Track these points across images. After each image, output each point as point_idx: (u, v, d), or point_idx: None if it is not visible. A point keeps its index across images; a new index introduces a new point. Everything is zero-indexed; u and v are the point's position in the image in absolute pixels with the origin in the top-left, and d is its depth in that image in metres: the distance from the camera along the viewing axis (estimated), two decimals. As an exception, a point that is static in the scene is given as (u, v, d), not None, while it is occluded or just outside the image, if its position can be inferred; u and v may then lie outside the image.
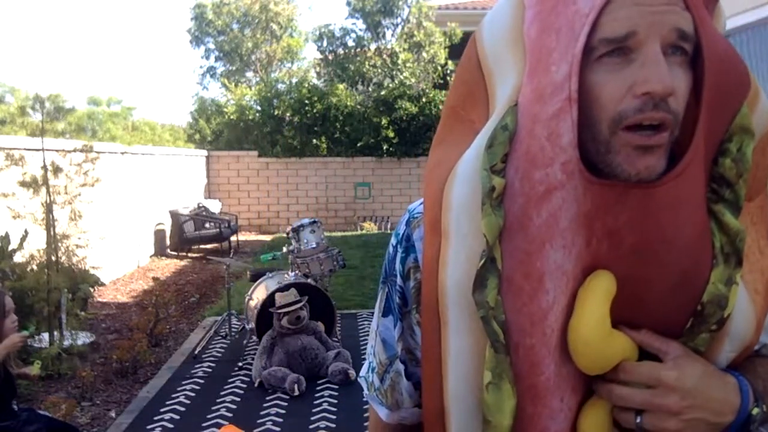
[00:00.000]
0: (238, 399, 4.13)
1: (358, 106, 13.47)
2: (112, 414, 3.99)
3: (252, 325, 4.73)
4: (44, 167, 5.02)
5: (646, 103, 0.62)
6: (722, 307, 0.67)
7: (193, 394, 4.22)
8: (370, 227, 12.70)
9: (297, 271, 5.04)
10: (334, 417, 3.81)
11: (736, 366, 0.73)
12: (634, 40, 0.62)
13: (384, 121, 13.04)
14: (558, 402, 0.70)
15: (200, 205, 11.33)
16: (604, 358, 0.68)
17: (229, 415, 3.88)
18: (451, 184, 0.72)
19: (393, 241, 0.85)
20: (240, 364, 4.68)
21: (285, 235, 6.81)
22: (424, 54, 13.86)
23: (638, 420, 0.68)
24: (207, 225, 10.49)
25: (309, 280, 4.88)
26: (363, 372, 0.94)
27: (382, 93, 13.32)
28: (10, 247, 4.94)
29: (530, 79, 0.67)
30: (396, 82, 13.53)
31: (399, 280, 0.83)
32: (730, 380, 0.70)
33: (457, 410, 0.73)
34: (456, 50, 13.07)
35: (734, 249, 0.67)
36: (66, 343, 4.82)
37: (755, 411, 0.70)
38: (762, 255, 0.72)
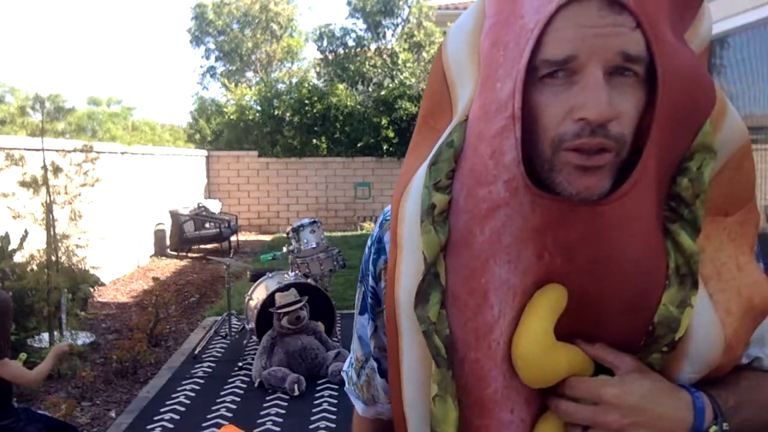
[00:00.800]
0: (238, 399, 4.13)
1: (358, 106, 13.47)
2: (112, 414, 3.99)
3: (252, 325, 4.73)
4: (44, 167, 5.02)
5: (583, 129, 0.61)
6: (673, 330, 0.66)
7: (193, 394, 4.22)
8: (370, 227, 12.70)
9: (297, 271, 5.04)
10: (334, 417, 3.81)
11: (716, 380, 0.71)
12: (575, 62, 0.61)
13: (384, 121, 13.04)
14: (507, 414, 0.70)
15: (200, 205, 11.33)
16: (545, 373, 0.68)
17: (229, 415, 3.88)
18: (405, 197, 0.73)
19: (369, 242, 0.86)
20: (240, 364, 4.68)
21: (285, 235, 6.81)
22: (424, 54, 13.87)
23: None
24: (207, 225, 10.49)
25: (309, 280, 4.88)
26: (345, 366, 0.97)
27: (382, 93, 13.33)
28: (10, 247, 4.94)
29: (479, 95, 0.67)
30: (396, 82, 13.53)
31: (371, 281, 0.84)
32: (683, 397, 0.68)
33: (412, 417, 0.74)
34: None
35: (690, 270, 0.66)
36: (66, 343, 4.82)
37: (712, 429, 0.68)
38: (740, 272, 0.70)
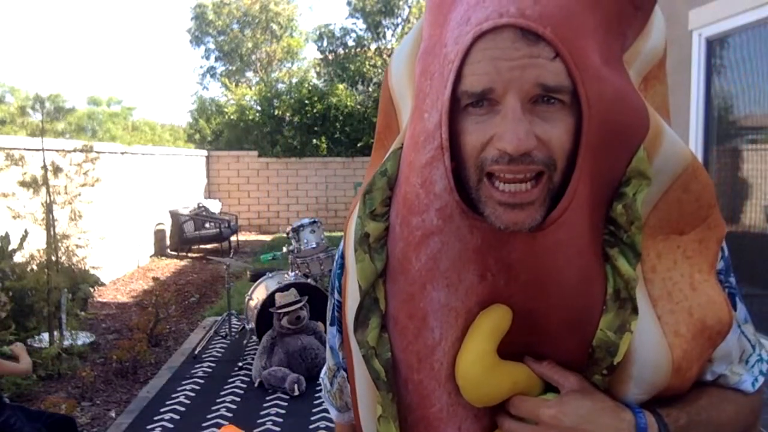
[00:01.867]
0: (238, 399, 4.13)
1: (358, 106, 13.47)
2: (112, 414, 3.99)
3: (252, 325, 4.73)
4: (44, 167, 5.02)
5: (502, 156, 0.61)
6: (611, 354, 0.66)
7: (193, 394, 4.22)
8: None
9: (297, 271, 5.04)
10: (334, 417, 3.81)
11: (674, 397, 0.71)
12: (493, 94, 0.61)
13: (384, 121, 13.03)
14: (455, 431, 0.71)
15: (200, 205, 11.33)
16: (488, 392, 0.69)
17: (229, 415, 3.88)
18: (351, 222, 0.75)
19: (336, 255, 0.87)
20: (240, 364, 4.68)
21: (285, 235, 6.81)
22: (424, 54, 13.86)
23: None
24: (207, 225, 10.49)
25: (309, 280, 4.88)
26: (321, 374, 0.98)
27: (382, 93, 13.32)
28: (10, 247, 4.94)
29: (410, 123, 0.68)
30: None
31: (336, 294, 0.85)
32: (625, 417, 0.67)
33: None
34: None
35: (629, 295, 0.65)
36: (66, 343, 4.83)
37: None
38: (693, 291, 0.69)
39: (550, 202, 0.63)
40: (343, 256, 0.83)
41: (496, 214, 0.63)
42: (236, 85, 16.38)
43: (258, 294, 4.90)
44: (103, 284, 6.47)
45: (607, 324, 0.66)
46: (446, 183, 0.64)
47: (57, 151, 5.67)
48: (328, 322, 0.91)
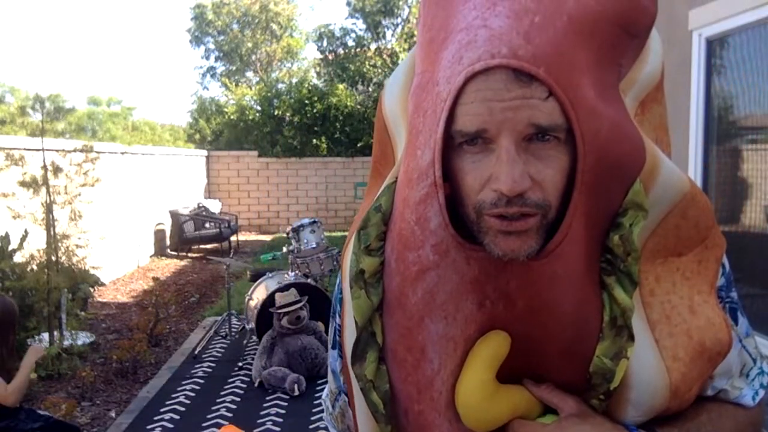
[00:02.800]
0: (238, 399, 4.13)
1: (358, 106, 13.47)
2: (112, 414, 3.99)
3: (252, 325, 4.73)
4: (44, 167, 5.02)
5: (500, 199, 0.61)
6: (608, 381, 0.67)
7: (193, 394, 4.22)
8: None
9: (297, 271, 5.04)
10: (334, 417, 3.81)
11: (674, 414, 0.71)
12: (486, 134, 0.61)
13: (384, 121, 13.03)
14: None
15: (200, 205, 11.33)
16: (488, 419, 0.70)
17: (229, 415, 3.88)
18: (346, 256, 0.75)
19: (338, 278, 0.86)
20: (240, 364, 4.68)
21: (285, 235, 6.81)
22: (424, 54, 13.85)
23: None
24: (207, 225, 10.49)
25: (309, 280, 4.88)
26: (323, 395, 0.95)
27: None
28: (10, 247, 4.94)
29: (404, 159, 0.69)
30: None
31: (338, 318, 0.84)
32: None
33: None
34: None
35: (626, 323, 0.66)
36: (66, 343, 4.83)
37: None
38: (692, 314, 0.69)
39: (545, 233, 0.64)
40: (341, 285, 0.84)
41: (495, 242, 0.63)
42: (236, 85, 16.38)
43: (258, 294, 4.90)
44: (103, 284, 6.47)
45: (603, 351, 0.66)
46: (440, 219, 0.65)
47: (57, 151, 5.67)
48: (330, 345, 0.90)
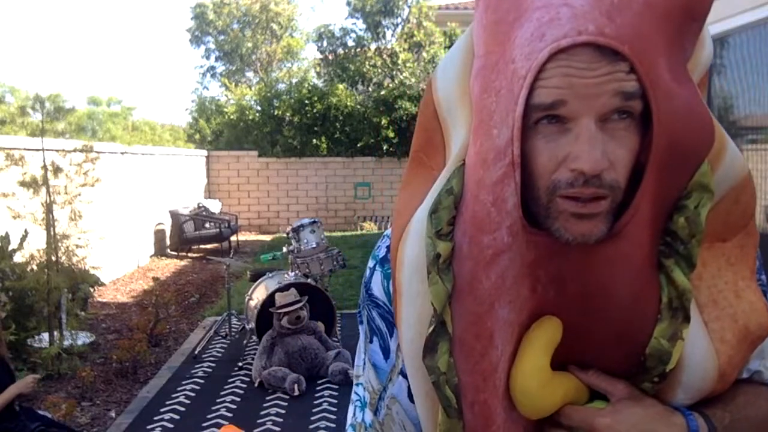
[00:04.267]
0: (238, 399, 4.13)
1: (358, 106, 13.47)
2: (112, 414, 3.99)
3: (252, 325, 4.73)
4: (44, 167, 5.02)
5: (577, 179, 0.61)
6: (664, 362, 0.67)
7: (193, 394, 4.22)
8: (370, 227, 12.71)
9: (297, 271, 5.04)
10: (334, 417, 3.81)
11: (714, 397, 0.72)
12: (565, 109, 0.61)
13: (384, 121, 13.04)
14: None
15: (200, 205, 11.33)
16: (543, 406, 0.70)
17: (229, 415, 3.88)
18: (404, 242, 0.72)
19: (371, 263, 0.83)
20: (240, 364, 4.68)
21: (285, 235, 6.81)
22: (424, 54, 13.86)
23: None
24: (207, 225, 10.49)
25: (309, 280, 4.88)
26: (350, 419, 0.85)
27: (382, 93, 13.32)
28: (10, 247, 4.94)
29: (474, 140, 0.67)
30: (396, 82, 13.53)
31: (383, 302, 0.81)
32: (677, 421, 0.69)
33: None
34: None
35: (682, 305, 0.66)
36: (66, 343, 4.83)
37: None
38: (737, 298, 0.71)
39: (613, 216, 0.64)
40: (388, 261, 0.79)
41: (567, 226, 0.63)
42: (236, 85, 16.38)
43: (258, 294, 4.90)
44: (103, 284, 6.47)
45: (661, 332, 0.67)
46: (516, 200, 0.64)
47: (57, 151, 5.67)
48: (365, 341, 0.83)
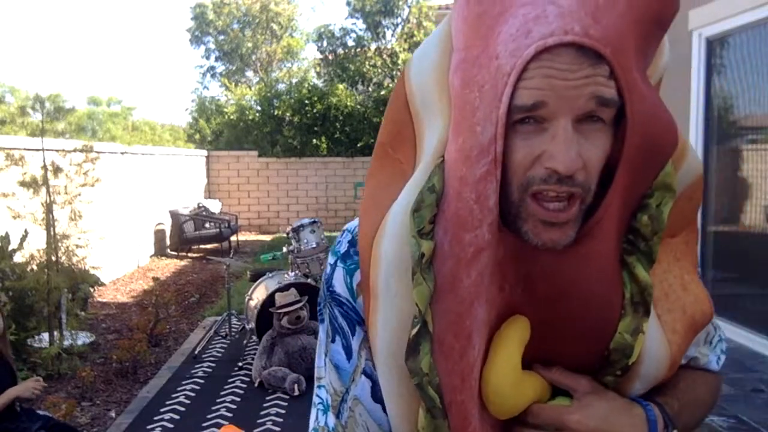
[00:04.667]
0: (238, 399, 4.13)
1: (358, 106, 13.47)
2: (112, 414, 3.99)
3: (252, 325, 4.73)
4: (44, 167, 5.02)
5: (551, 176, 0.62)
6: (627, 356, 0.69)
7: (193, 394, 4.22)
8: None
9: (297, 271, 5.04)
10: (334, 417, 3.81)
11: (658, 385, 0.75)
12: (544, 110, 0.61)
13: (384, 121, 13.04)
14: None
15: (200, 205, 11.33)
16: (514, 405, 0.70)
17: (229, 415, 3.88)
18: (379, 241, 0.71)
19: (331, 259, 0.81)
20: (240, 364, 4.68)
21: (285, 235, 6.81)
22: (424, 54, 13.85)
23: None
24: (207, 225, 10.49)
25: (309, 280, 4.88)
26: (312, 423, 0.83)
27: (382, 93, 13.34)
28: (10, 247, 4.94)
29: (455, 136, 0.66)
30: (396, 82, 13.54)
31: (347, 299, 0.78)
32: (637, 412, 0.72)
33: None
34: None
35: (643, 300, 0.69)
36: (66, 343, 4.83)
37: None
38: (685, 291, 0.74)
39: (582, 220, 0.65)
40: (350, 257, 0.78)
41: (535, 231, 0.64)
42: (236, 85, 16.38)
43: (258, 294, 4.90)
44: (103, 284, 6.47)
45: (625, 327, 0.69)
46: (496, 197, 0.64)
47: (57, 151, 5.67)
48: (327, 342, 0.81)
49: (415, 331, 0.67)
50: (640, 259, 0.69)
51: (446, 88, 0.68)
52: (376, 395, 0.75)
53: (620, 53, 0.61)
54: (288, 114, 13.47)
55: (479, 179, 0.64)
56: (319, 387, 0.82)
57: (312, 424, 0.82)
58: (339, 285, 0.78)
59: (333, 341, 0.80)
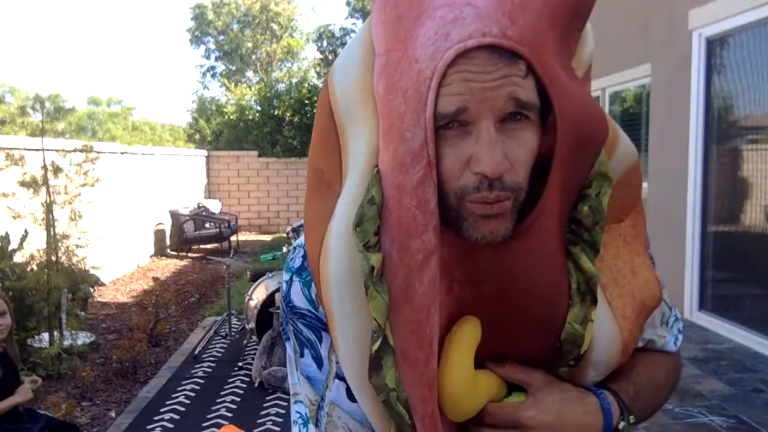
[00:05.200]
0: (238, 399, 4.13)
1: (358, 106, 13.47)
2: (112, 414, 3.99)
3: (252, 325, 4.73)
4: (44, 167, 5.02)
5: (482, 182, 0.61)
6: (578, 345, 0.70)
7: (193, 394, 4.22)
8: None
9: (297, 271, 5.03)
10: (334, 417, 3.81)
11: (617, 369, 0.76)
12: (466, 114, 0.61)
13: (384, 121, 13.05)
14: None
15: (200, 205, 11.33)
16: (470, 408, 0.70)
17: (229, 415, 3.88)
18: (326, 262, 0.70)
19: (286, 276, 0.80)
20: (240, 364, 4.68)
21: (285, 235, 6.81)
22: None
23: None
24: (207, 225, 10.49)
25: (309, 280, 4.87)
26: (295, 417, 0.82)
27: (382, 93, 13.34)
28: (10, 247, 4.94)
29: (386, 144, 0.65)
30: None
31: (307, 309, 0.77)
32: (591, 401, 0.72)
33: None
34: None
35: (589, 289, 0.69)
36: (66, 343, 4.83)
37: (621, 425, 0.73)
38: (634, 276, 0.75)
39: (517, 214, 0.65)
40: (306, 270, 0.77)
41: (475, 226, 0.64)
42: (236, 85, 16.38)
43: (258, 294, 4.90)
44: (103, 284, 6.47)
45: (574, 317, 0.69)
46: (435, 201, 0.63)
47: (57, 151, 5.67)
48: (296, 359, 0.79)
49: (376, 345, 0.66)
50: (584, 249, 0.69)
51: (371, 95, 0.68)
52: (353, 396, 0.74)
53: (539, 51, 0.61)
54: (288, 114, 13.48)
55: (417, 184, 0.63)
56: (295, 403, 0.81)
57: (294, 416, 0.81)
58: (297, 298, 0.78)
59: (302, 356, 0.79)
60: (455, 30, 0.60)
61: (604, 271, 0.73)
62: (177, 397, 4.17)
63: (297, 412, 0.81)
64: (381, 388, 0.67)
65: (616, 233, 0.74)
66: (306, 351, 0.78)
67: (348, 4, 15.14)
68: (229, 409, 3.96)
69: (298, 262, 0.79)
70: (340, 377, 0.76)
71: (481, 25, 0.59)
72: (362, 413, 0.74)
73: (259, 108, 13.99)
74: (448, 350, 0.68)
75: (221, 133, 15.28)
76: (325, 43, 15.63)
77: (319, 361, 0.78)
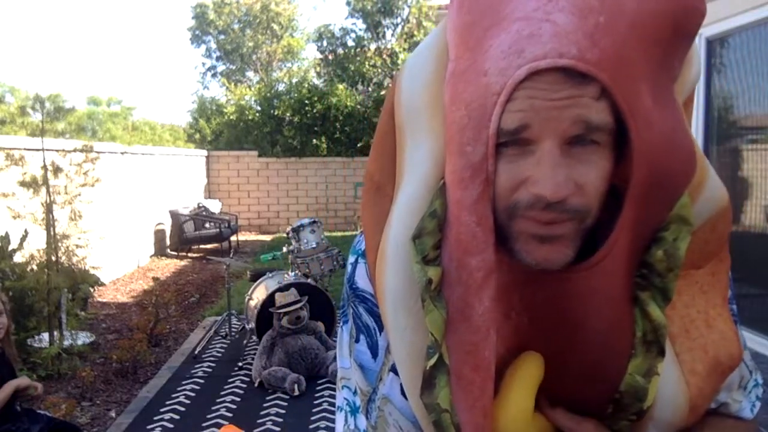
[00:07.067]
0: (238, 399, 4.13)
1: (358, 106, 13.47)
2: (112, 414, 3.99)
3: (252, 325, 4.73)
4: (44, 167, 5.02)
5: (538, 201, 0.57)
6: (640, 399, 0.64)
7: (193, 394, 4.22)
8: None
9: (297, 271, 5.04)
10: (334, 417, 3.81)
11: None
12: (528, 132, 0.57)
13: (384, 121, 13.04)
14: None
15: (200, 205, 11.33)
16: None
17: (229, 415, 3.88)
18: (382, 272, 0.68)
19: (351, 258, 0.78)
20: (240, 364, 4.68)
21: (285, 235, 6.81)
22: (424, 54, 13.86)
23: None
24: (207, 225, 10.49)
25: (309, 280, 4.88)
26: (340, 428, 0.79)
27: (382, 93, 13.34)
28: (10, 247, 4.94)
29: (449, 158, 0.63)
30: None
31: (370, 294, 0.75)
32: None
33: None
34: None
35: (656, 339, 0.63)
36: (66, 343, 4.83)
37: None
38: (709, 328, 0.68)
39: (581, 240, 0.60)
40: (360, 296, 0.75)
41: (528, 249, 0.60)
42: (236, 85, 16.39)
43: (258, 294, 4.90)
44: (103, 284, 6.47)
45: (636, 368, 0.64)
46: (493, 218, 0.60)
47: (57, 151, 5.67)
48: (351, 342, 0.77)
49: (432, 362, 0.63)
50: (654, 296, 0.63)
51: (439, 104, 0.65)
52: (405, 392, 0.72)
53: (622, 76, 0.56)
54: (288, 114, 13.47)
55: (476, 200, 0.60)
56: (343, 388, 0.79)
57: (340, 428, 0.79)
58: (362, 280, 0.75)
59: (357, 341, 0.77)
60: (530, 47, 0.56)
61: (675, 321, 0.67)
62: (177, 397, 4.17)
63: (345, 398, 0.78)
64: (432, 408, 0.63)
65: (692, 280, 0.68)
66: (362, 337, 0.76)
67: (348, 4, 15.13)
68: (229, 409, 3.96)
69: (363, 245, 0.77)
70: (395, 371, 0.72)
71: (558, 44, 0.55)
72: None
73: (259, 108, 13.99)
74: (510, 383, 0.65)
75: (221, 133, 15.27)
76: (325, 43, 15.61)
77: (374, 350, 0.75)
